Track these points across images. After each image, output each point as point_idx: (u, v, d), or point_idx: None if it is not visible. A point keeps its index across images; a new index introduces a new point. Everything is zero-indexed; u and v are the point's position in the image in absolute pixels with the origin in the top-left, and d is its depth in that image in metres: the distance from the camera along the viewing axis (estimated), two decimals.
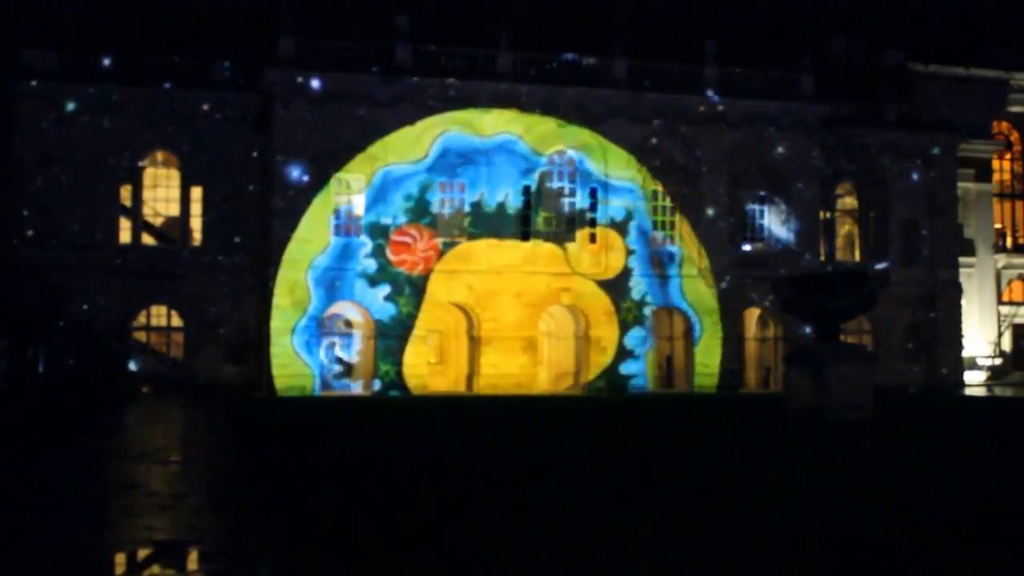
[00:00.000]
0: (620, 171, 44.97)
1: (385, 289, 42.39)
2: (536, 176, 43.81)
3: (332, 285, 42.13)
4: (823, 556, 7.91)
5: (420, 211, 42.67)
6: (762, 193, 49.38)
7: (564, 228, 44.00)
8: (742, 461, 14.93)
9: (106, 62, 43.92)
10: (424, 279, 42.52)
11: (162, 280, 43.95)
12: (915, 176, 52.53)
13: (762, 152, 49.01)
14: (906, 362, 51.29)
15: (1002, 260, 58.17)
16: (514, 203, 43.47)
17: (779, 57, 50.40)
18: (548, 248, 44.15)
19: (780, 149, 49.09)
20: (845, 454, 15.78)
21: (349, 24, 47.48)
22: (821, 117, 49.81)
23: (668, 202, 45.87)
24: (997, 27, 61.22)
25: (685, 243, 46.13)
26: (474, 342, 45.68)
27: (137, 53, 44.51)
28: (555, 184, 44.14)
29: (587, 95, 46.54)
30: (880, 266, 50.67)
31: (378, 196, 42.42)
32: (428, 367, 45.07)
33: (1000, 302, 57.92)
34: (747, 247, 49.32)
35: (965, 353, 53.89)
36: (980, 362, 55.92)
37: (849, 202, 53.47)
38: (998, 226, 58.88)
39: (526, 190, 44.44)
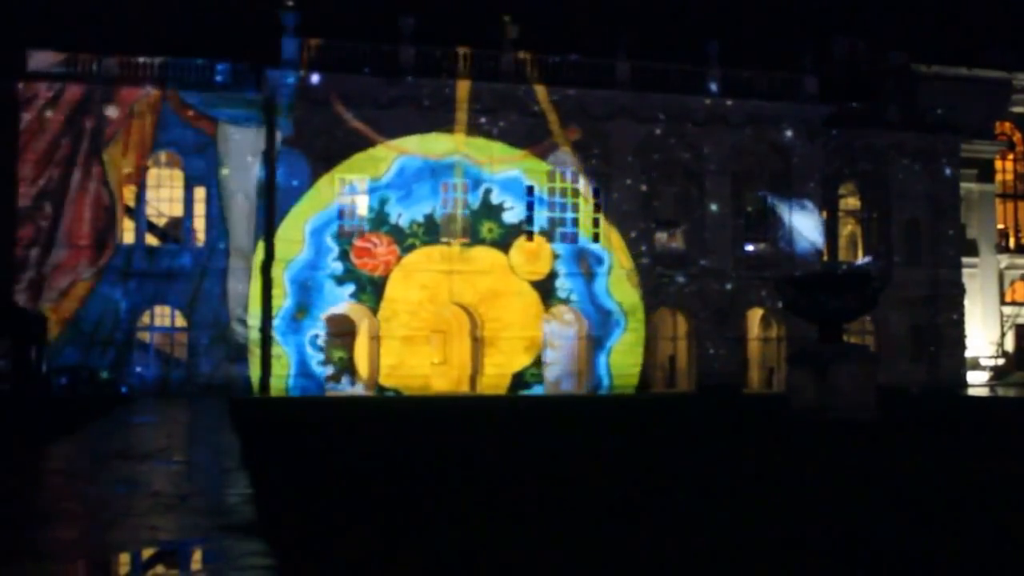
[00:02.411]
0: (552, 186, 46.54)
1: (350, 288, 44.05)
2: (480, 192, 45.50)
3: (305, 284, 43.69)
4: (826, 558, 7.90)
5: (380, 221, 44.40)
6: (765, 193, 49.48)
7: (504, 236, 45.78)
8: (746, 461, 14.91)
9: (109, 62, 43.99)
10: (384, 279, 44.20)
11: (165, 280, 44.02)
12: (918, 177, 52.52)
13: (765, 152, 49.10)
14: (909, 362, 51.30)
15: (1005, 260, 58.13)
16: (462, 214, 45.66)
17: (782, 58, 50.47)
18: (493, 253, 45.37)
19: (783, 149, 49.17)
20: (848, 454, 15.76)
21: (352, 25, 47.59)
22: (824, 117, 49.89)
23: (599, 212, 47.11)
24: (1000, 28, 61.19)
25: (612, 246, 46.87)
26: (477, 342, 46.13)
27: (140, 54, 44.57)
28: (496, 198, 45.59)
29: (590, 95, 46.80)
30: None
31: (345, 207, 44.56)
32: (432, 367, 45.92)
33: (1003, 302, 57.90)
34: (750, 247, 49.42)
35: (968, 353, 53.88)
36: (983, 362, 55.89)
37: (852, 202, 53.52)
38: (1001, 226, 58.85)
39: (530, 197, 46.17)
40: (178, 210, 45.50)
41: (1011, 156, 59.69)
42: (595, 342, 46.87)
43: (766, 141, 49.05)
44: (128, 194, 44.53)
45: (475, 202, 45.44)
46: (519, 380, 45.35)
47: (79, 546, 8.53)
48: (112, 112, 43.70)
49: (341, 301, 44.22)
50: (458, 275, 44.94)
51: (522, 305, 45.72)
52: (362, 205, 44.97)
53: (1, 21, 47.69)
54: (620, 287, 46.84)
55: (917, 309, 51.88)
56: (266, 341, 43.88)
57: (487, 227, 45.52)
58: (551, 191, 46.62)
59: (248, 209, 44.83)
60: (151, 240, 45.43)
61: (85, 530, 9.32)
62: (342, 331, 45.83)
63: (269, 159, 44.58)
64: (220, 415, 27.31)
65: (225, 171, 44.65)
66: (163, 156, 45.21)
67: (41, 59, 43.51)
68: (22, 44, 44.03)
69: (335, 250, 43.96)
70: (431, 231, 44.72)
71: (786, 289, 26.41)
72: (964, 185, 54.99)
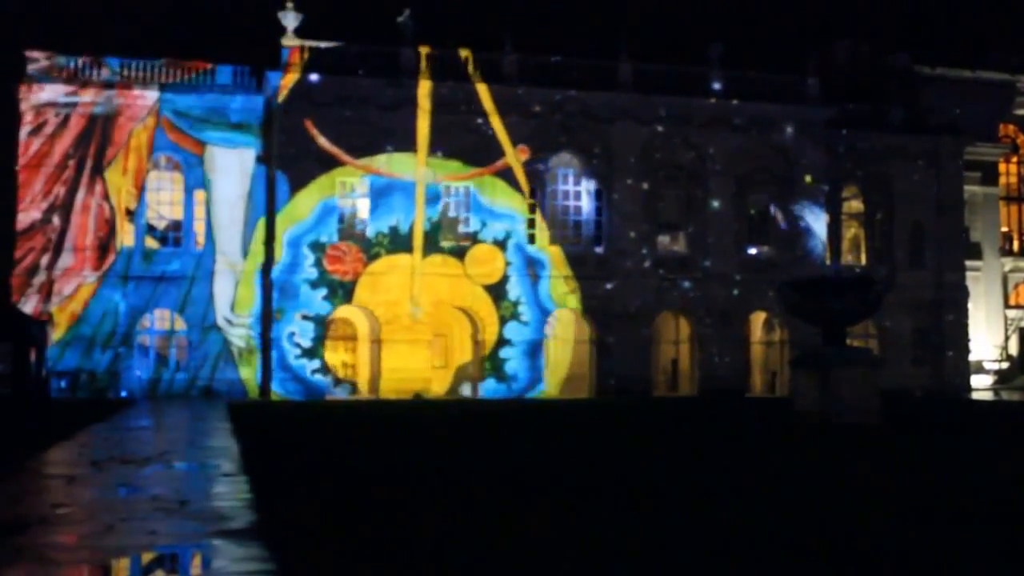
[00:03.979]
0: (504, 200, 47.02)
1: (323, 291, 45.04)
2: (440, 206, 46.39)
3: (284, 288, 44.61)
4: (829, 560, 7.80)
5: (349, 231, 46.02)
6: (768, 196, 49.43)
7: (460, 245, 46.97)
8: (749, 464, 14.82)
9: (109, 64, 44.02)
10: (353, 284, 45.26)
11: (165, 283, 44.06)
12: (921, 179, 52.44)
13: (768, 155, 49.04)
14: (912, 366, 51.18)
15: (1009, 264, 58.01)
16: (424, 227, 46.61)
17: (785, 60, 50.47)
18: (451, 260, 46.24)
19: (786, 152, 49.11)
20: (851, 459, 15.66)
21: (353, 27, 47.74)
22: (827, 120, 49.81)
23: (542, 219, 47.80)
24: (1004, 30, 61.13)
25: (551, 251, 47.32)
26: (478, 345, 46.26)
27: (140, 55, 44.60)
28: (454, 212, 47.17)
29: (592, 98, 46.79)
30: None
31: (320, 219, 45.20)
32: (432, 370, 46.07)
33: (1007, 306, 57.77)
34: (753, 250, 49.35)
35: (972, 357, 53.76)
36: (987, 366, 55.78)
37: (855, 205, 53.43)
38: (1004, 229, 58.76)
39: (532, 199, 47.11)
40: (178, 213, 45.67)
41: (1015, 159, 59.61)
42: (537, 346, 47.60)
43: (769, 143, 48.99)
44: (128, 197, 44.55)
45: (435, 215, 46.41)
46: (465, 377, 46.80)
47: (78, 550, 8.45)
48: (113, 114, 43.78)
49: (315, 304, 45.11)
50: (419, 277, 45.77)
51: (477, 307, 46.48)
52: (338, 215, 46.08)
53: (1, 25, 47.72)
54: (557, 290, 47.15)
55: (921, 312, 51.77)
56: (266, 346, 44.11)
57: (445, 237, 46.51)
58: (497, 202, 46.89)
59: (236, 216, 45.18)
60: (151, 243, 45.50)
61: (84, 534, 9.23)
62: (322, 335, 46.09)
63: (270, 161, 44.78)
64: (219, 418, 27.25)
65: (226, 174, 44.91)
66: (163, 159, 45.36)
67: (42, 60, 43.48)
68: (23, 45, 44.08)
69: (310, 257, 45.02)
70: (395, 241, 45.63)
71: (789, 292, 26.29)
72: (968, 188, 54.89)
